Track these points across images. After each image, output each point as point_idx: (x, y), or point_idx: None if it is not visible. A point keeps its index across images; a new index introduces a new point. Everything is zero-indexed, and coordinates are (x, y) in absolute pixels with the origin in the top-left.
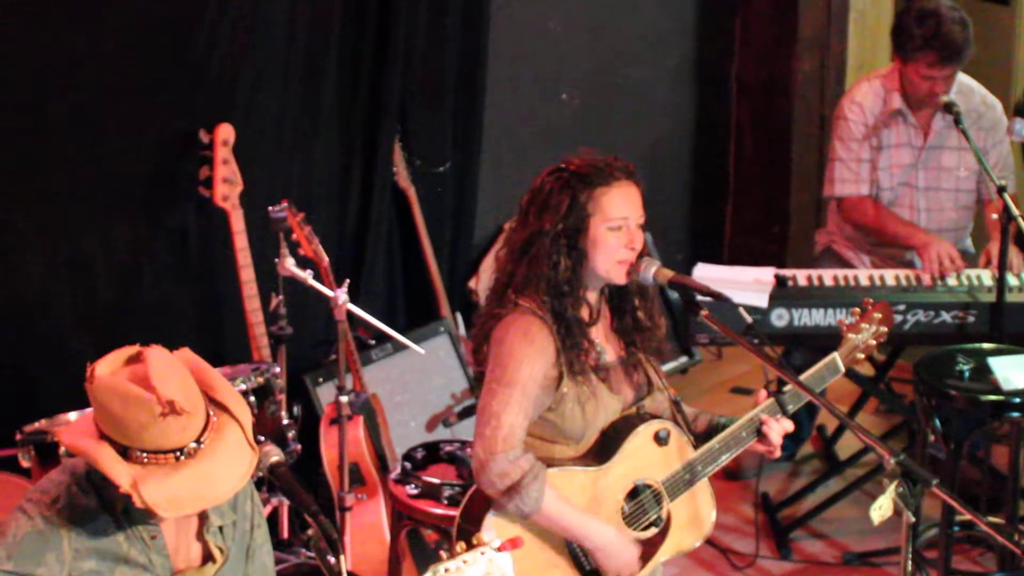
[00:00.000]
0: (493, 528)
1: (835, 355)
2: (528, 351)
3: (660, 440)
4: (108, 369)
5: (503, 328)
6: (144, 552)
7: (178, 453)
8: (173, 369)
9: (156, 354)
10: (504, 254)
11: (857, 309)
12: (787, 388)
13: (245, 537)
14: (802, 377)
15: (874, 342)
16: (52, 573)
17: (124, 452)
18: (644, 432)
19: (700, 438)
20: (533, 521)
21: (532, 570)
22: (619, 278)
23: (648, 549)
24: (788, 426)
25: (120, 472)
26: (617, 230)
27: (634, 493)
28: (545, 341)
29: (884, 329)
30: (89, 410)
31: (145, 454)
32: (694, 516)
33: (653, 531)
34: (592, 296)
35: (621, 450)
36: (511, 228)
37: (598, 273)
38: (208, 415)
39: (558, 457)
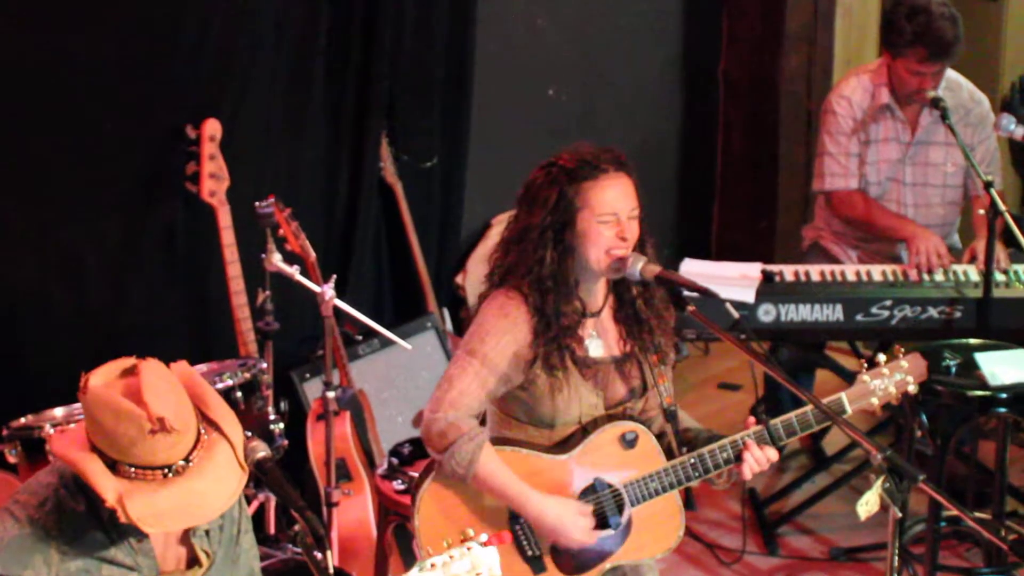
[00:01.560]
0: (433, 494)
1: (842, 395)
2: (499, 324)
3: (626, 442)
4: (102, 380)
5: (487, 303)
6: (131, 555)
7: (166, 470)
8: (167, 385)
9: (151, 368)
10: (498, 244)
11: (884, 355)
12: (780, 419)
13: (232, 542)
14: (803, 409)
15: (894, 391)
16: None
17: (113, 465)
18: (610, 430)
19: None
20: (473, 488)
21: None
22: (608, 271)
23: (604, 550)
24: (772, 455)
25: (107, 486)
26: (607, 223)
27: (592, 489)
28: (520, 319)
29: (911, 379)
30: (75, 405)
31: (133, 469)
32: (658, 527)
33: (609, 533)
34: (593, 288)
35: (584, 443)
36: (510, 220)
37: (590, 266)
38: (199, 432)
39: (529, 442)
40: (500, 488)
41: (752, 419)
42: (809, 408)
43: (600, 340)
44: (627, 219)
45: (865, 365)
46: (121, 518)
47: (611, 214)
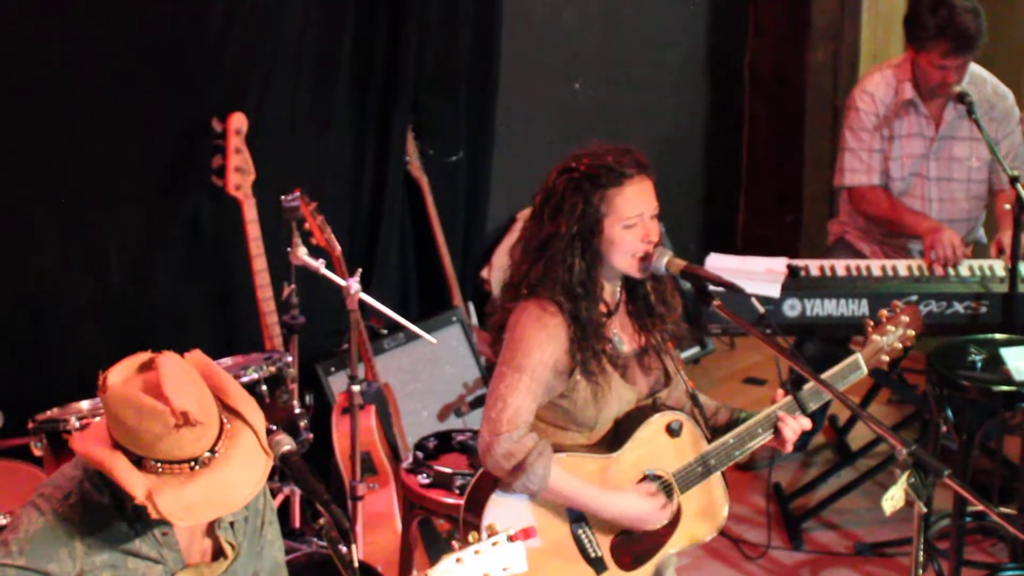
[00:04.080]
0: (497, 508)
1: (858, 355)
2: (540, 336)
3: (672, 431)
4: (120, 377)
5: (517, 313)
6: (156, 548)
7: (193, 463)
8: (186, 377)
9: (168, 361)
10: (519, 252)
11: (884, 311)
12: (806, 387)
13: (256, 533)
14: (824, 375)
15: (900, 345)
16: (64, 569)
17: (138, 461)
18: (656, 422)
19: (719, 432)
20: (542, 499)
21: (535, 558)
22: (636, 272)
23: (657, 539)
24: (806, 424)
25: (135, 483)
26: (632, 227)
27: (644, 483)
28: (558, 328)
29: (911, 333)
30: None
31: (160, 464)
32: (706, 509)
33: (662, 522)
34: (609, 288)
35: (632, 439)
36: (526, 226)
37: (616, 269)
38: (222, 423)
39: (569, 444)
40: (573, 496)
41: (781, 391)
42: (832, 371)
43: (621, 336)
44: (650, 219)
45: (872, 324)
46: (152, 514)
47: (636, 216)
